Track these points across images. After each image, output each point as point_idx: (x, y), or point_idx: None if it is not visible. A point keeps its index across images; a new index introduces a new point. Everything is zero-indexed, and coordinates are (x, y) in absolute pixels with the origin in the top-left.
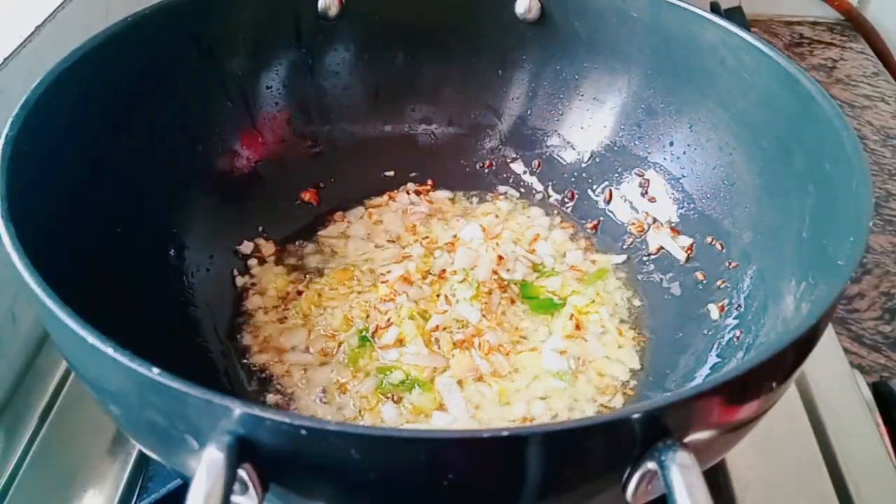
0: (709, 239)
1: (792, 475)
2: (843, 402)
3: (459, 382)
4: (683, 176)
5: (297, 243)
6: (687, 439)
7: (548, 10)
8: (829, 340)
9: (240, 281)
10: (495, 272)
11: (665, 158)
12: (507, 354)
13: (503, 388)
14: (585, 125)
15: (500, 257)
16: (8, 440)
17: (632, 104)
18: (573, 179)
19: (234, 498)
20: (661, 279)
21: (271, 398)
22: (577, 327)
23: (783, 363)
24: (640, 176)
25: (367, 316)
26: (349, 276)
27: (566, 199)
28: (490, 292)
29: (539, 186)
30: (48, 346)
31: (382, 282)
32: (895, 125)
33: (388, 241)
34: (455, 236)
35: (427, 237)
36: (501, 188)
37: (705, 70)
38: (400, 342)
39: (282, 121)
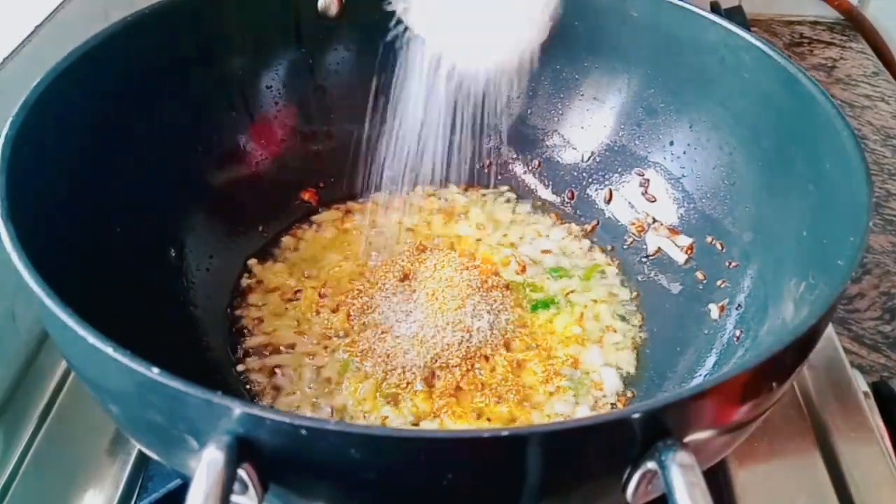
0: (709, 239)
1: (792, 475)
2: (843, 402)
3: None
4: (683, 175)
5: (296, 243)
6: (687, 439)
7: None
8: (829, 340)
9: (240, 281)
10: (495, 272)
11: (665, 158)
12: (509, 352)
13: (505, 391)
14: (585, 125)
15: (501, 257)
16: (8, 440)
17: (632, 104)
18: (573, 179)
19: (234, 498)
20: (662, 279)
21: (271, 398)
22: (578, 327)
23: (783, 363)
24: (640, 175)
25: (365, 321)
26: (348, 276)
27: (566, 199)
28: (489, 291)
29: (539, 186)
30: (48, 346)
31: (380, 283)
32: (895, 125)
33: (387, 241)
34: (454, 236)
35: (426, 237)
36: (501, 188)
37: (705, 70)
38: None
39: (282, 121)
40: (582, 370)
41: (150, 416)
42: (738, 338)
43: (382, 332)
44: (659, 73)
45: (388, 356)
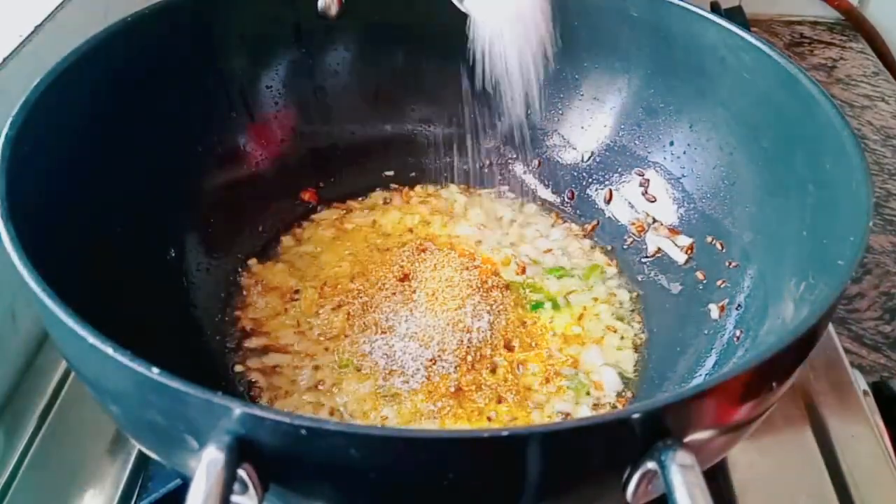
0: (709, 238)
1: (792, 475)
2: (843, 402)
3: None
4: (683, 175)
5: (296, 243)
6: (687, 439)
7: None
8: (829, 340)
9: (240, 280)
10: (495, 272)
11: (665, 158)
12: (508, 352)
13: (505, 391)
14: (585, 125)
15: (501, 257)
16: (8, 440)
17: (632, 104)
18: (573, 179)
19: (234, 498)
20: (662, 279)
21: (271, 398)
22: (578, 327)
23: (783, 363)
24: (640, 175)
25: (365, 321)
26: (348, 276)
27: (566, 199)
28: (489, 291)
29: (539, 186)
30: (48, 346)
31: (380, 283)
32: (895, 125)
33: (387, 240)
34: (454, 236)
35: (427, 237)
36: (501, 188)
37: (705, 70)
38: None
39: (282, 121)
40: (582, 370)
41: (150, 416)
42: (738, 338)
43: (382, 333)
44: (659, 73)
45: (387, 356)
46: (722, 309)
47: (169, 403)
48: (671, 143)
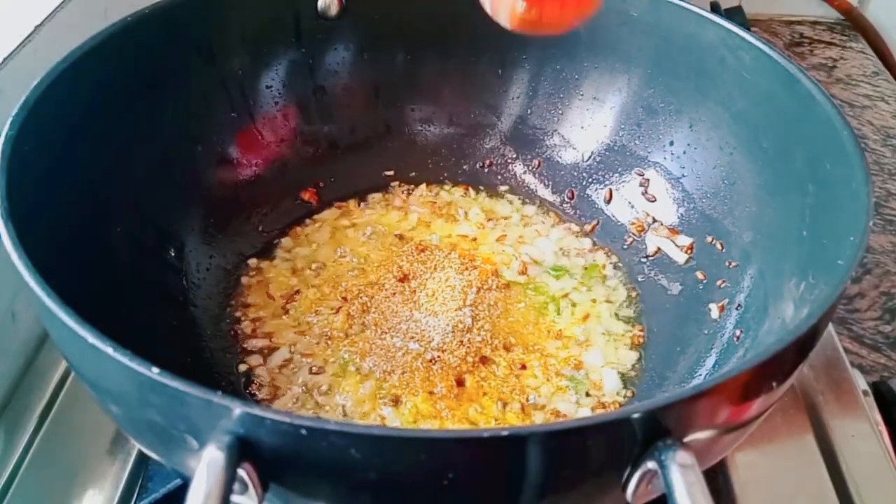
0: (709, 238)
1: (792, 475)
2: (843, 402)
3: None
4: (683, 175)
5: (296, 243)
6: (687, 439)
7: None
8: (829, 340)
9: (240, 280)
10: (495, 272)
11: (665, 158)
12: (509, 353)
13: (506, 391)
14: (585, 125)
15: (502, 257)
16: (8, 440)
17: (632, 104)
18: (573, 179)
19: (234, 498)
20: (662, 279)
21: (271, 398)
22: (578, 327)
23: (783, 363)
24: (640, 175)
25: (365, 321)
26: (348, 276)
27: (566, 199)
28: (490, 291)
29: (539, 186)
30: (48, 346)
31: (380, 283)
32: (895, 125)
33: (387, 240)
34: (454, 236)
35: (426, 237)
36: (501, 188)
37: (705, 70)
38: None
39: (282, 121)
40: (582, 370)
41: (150, 416)
42: (738, 338)
43: (382, 333)
44: (659, 73)
45: (387, 356)
46: (722, 309)
47: (169, 403)
48: (671, 143)
